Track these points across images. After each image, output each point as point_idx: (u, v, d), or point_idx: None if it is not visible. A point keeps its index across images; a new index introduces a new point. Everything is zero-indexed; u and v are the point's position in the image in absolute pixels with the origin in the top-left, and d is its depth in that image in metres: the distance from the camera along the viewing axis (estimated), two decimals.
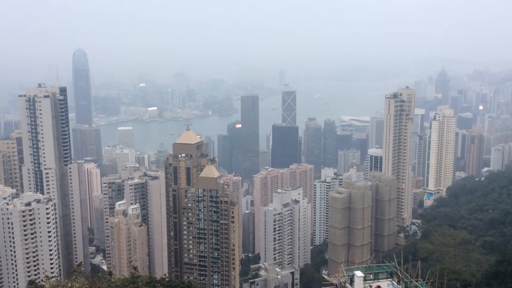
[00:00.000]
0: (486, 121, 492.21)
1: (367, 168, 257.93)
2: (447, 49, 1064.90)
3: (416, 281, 42.10)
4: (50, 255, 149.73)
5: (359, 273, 42.84)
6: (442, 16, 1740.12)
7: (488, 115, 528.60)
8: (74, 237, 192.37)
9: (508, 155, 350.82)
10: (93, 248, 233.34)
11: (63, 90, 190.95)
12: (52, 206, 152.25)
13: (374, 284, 43.87)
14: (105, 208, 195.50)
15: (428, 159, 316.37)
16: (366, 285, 43.47)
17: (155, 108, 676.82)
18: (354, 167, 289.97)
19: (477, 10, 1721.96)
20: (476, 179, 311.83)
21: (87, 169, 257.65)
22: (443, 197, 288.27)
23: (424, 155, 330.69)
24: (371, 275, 45.23)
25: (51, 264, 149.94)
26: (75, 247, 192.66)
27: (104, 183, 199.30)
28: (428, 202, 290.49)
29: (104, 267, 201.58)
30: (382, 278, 45.06)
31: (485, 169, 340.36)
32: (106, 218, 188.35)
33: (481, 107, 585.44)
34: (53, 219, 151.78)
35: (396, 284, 43.76)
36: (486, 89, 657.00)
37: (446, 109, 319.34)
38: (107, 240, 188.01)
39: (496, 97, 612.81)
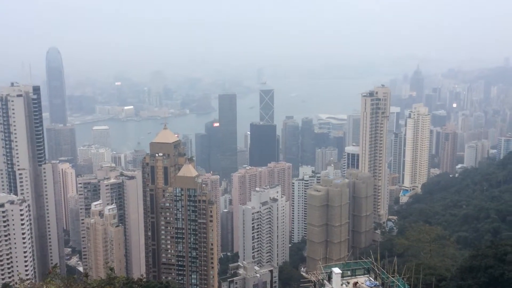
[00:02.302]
0: (459, 119, 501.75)
1: (345, 165, 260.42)
2: (422, 48, 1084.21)
3: (393, 276, 42.58)
4: (25, 257, 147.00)
5: (337, 270, 43.10)
6: (417, 16, 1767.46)
7: (462, 112, 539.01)
8: (49, 238, 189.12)
9: (481, 152, 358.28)
10: (69, 249, 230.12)
11: (36, 89, 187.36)
12: (26, 207, 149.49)
13: (352, 281, 44.22)
14: (81, 208, 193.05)
15: (404, 156, 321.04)
16: (344, 281, 43.75)
17: (132, 107, 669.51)
18: (332, 165, 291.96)
19: (450, 10, 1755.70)
20: (450, 176, 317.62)
21: (62, 169, 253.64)
22: (418, 193, 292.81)
23: (400, 153, 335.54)
24: (349, 272, 45.54)
25: (26, 266, 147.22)
26: (50, 249, 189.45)
27: (80, 183, 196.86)
28: (403, 199, 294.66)
29: (80, 269, 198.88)
30: (360, 274, 45.43)
31: (459, 165, 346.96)
32: (82, 219, 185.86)
33: (454, 105, 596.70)
34: (27, 221, 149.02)
35: (373, 280, 44.19)
36: (460, 87, 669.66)
37: (421, 107, 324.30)
38: (83, 241, 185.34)
39: (469, 95, 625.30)
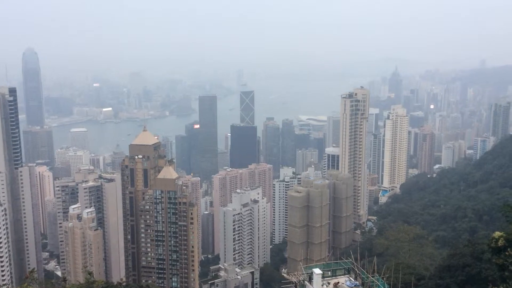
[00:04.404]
0: (437, 120, 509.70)
1: (325, 166, 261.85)
2: (400, 50, 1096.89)
3: (373, 276, 42.91)
4: (1, 262, 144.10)
5: (317, 271, 43.24)
6: (395, 19, 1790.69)
7: (439, 113, 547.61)
8: (26, 242, 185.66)
9: (458, 152, 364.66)
10: (47, 253, 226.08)
11: (12, 91, 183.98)
12: (2, 211, 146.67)
13: (332, 281, 44.42)
14: (59, 212, 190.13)
15: (383, 157, 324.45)
16: (324, 282, 43.93)
17: (110, 108, 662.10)
18: (312, 166, 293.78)
19: (427, 13, 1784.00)
20: (428, 176, 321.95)
21: (39, 172, 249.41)
22: (397, 193, 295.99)
23: (379, 153, 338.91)
24: (329, 272, 45.75)
25: (2, 271, 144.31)
26: (28, 253, 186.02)
27: (57, 186, 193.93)
28: (383, 199, 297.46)
29: (58, 273, 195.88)
30: (340, 275, 45.66)
31: (437, 166, 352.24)
32: (60, 223, 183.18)
33: (432, 106, 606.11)
34: (3, 225, 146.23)
35: (353, 280, 44.46)
36: (437, 89, 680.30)
37: (399, 108, 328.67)
38: (61, 245, 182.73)
39: (446, 96, 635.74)
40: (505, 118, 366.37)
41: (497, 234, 30.56)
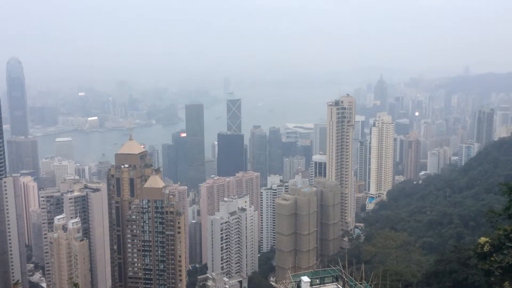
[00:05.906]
0: (422, 127, 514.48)
1: (312, 174, 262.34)
2: (385, 58, 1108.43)
3: (360, 283, 42.99)
4: None
5: (305, 279, 43.26)
6: (380, 28, 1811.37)
7: (424, 121, 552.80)
8: (11, 254, 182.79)
9: (443, 158, 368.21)
10: (32, 265, 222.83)
11: None
12: None
13: None
14: (44, 223, 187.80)
15: (369, 164, 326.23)
16: None
17: (96, 117, 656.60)
18: (300, 173, 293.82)
19: (411, 21, 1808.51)
20: (414, 182, 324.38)
21: (24, 182, 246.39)
22: (384, 200, 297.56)
23: (365, 160, 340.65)
24: (318, 280, 45.78)
25: None
26: (12, 265, 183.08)
27: (42, 196, 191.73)
28: (370, 206, 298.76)
29: (44, 285, 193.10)
30: (328, 282, 45.71)
31: (422, 172, 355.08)
32: (45, 234, 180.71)
33: (417, 113, 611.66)
34: None
35: (341, 287, 44.49)
36: (422, 96, 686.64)
37: (385, 115, 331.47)
38: (46, 256, 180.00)
39: (430, 103, 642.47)
40: (489, 124, 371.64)
41: (482, 239, 30.75)
